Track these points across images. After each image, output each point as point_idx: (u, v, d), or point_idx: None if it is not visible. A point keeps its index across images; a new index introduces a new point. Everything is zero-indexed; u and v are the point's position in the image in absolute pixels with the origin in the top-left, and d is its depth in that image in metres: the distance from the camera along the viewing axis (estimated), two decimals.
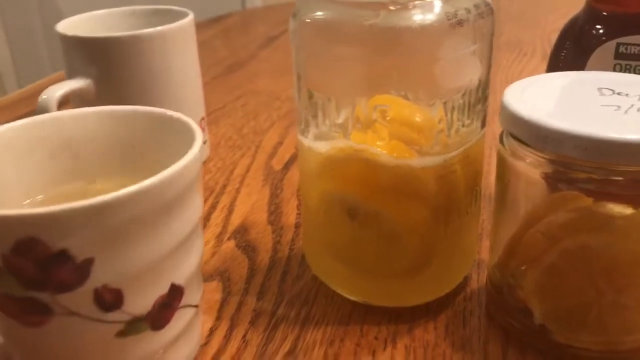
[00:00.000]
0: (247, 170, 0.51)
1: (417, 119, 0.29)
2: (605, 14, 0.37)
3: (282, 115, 0.63)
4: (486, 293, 0.34)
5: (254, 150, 0.55)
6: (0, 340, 0.29)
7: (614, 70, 0.36)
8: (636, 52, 0.35)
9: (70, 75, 0.46)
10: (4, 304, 0.25)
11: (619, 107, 0.28)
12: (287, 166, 0.51)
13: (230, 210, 0.45)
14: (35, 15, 2.01)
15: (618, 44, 0.36)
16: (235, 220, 0.43)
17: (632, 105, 0.28)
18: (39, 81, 0.76)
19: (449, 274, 0.33)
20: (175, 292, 0.27)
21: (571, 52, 0.38)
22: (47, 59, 1.90)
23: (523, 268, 0.31)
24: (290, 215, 0.44)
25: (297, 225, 0.42)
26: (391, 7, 0.27)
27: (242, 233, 0.42)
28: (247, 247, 0.40)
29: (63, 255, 0.23)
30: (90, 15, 0.51)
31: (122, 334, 0.26)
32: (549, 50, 0.80)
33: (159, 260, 0.26)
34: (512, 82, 0.31)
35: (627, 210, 0.28)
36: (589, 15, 0.38)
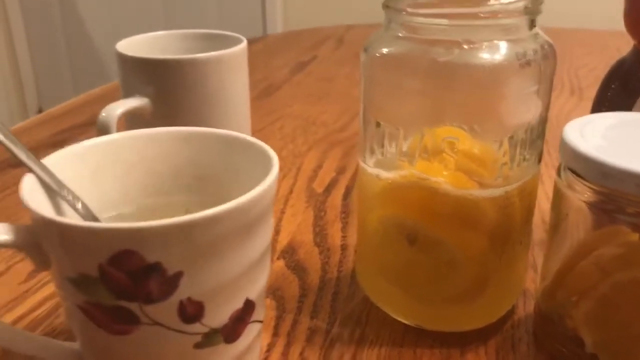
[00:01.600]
0: (290, 192, 0.52)
1: (482, 152, 0.30)
2: None
3: (319, 139, 0.64)
4: (534, 320, 0.36)
5: (295, 172, 0.56)
6: (76, 346, 0.30)
7: None
8: None
9: (127, 93, 0.48)
10: (94, 313, 0.26)
11: None
12: (328, 189, 0.53)
13: (277, 231, 0.46)
14: (58, 30, 2.04)
15: None
16: (283, 240, 0.45)
17: None
18: (71, 100, 0.78)
19: (500, 301, 0.35)
20: (249, 307, 0.29)
21: (618, 93, 0.40)
22: (68, 78, 1.93)
23: (574, 299, 0.32)
24: (335, 237, 0.45)
25: (343, 247, 0.44)
26: (465, 46, 0.28)
27: (290, 253, 0.43)
28: (297, 267, 0.41)
29: (156, 268, 0.25)
30: (147, 36, 0.52)
31: (199, 345, 0.27)
32: (576, 85, 0.82)
33: (239, 276, 0.27)
34: None
35: None
36: (637, 58, 0.39)
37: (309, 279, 0.40)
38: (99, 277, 0.25)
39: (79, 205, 0.30)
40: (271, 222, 0.30)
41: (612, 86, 0.41)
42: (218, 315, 0.27)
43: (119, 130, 0.40)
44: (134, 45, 0.51)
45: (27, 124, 0.71)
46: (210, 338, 0.28)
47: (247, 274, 0.28)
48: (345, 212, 0.49)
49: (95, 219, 0.30)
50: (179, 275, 0.25)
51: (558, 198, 0.33)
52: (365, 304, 0.37)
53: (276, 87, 0.83)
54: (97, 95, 0.80)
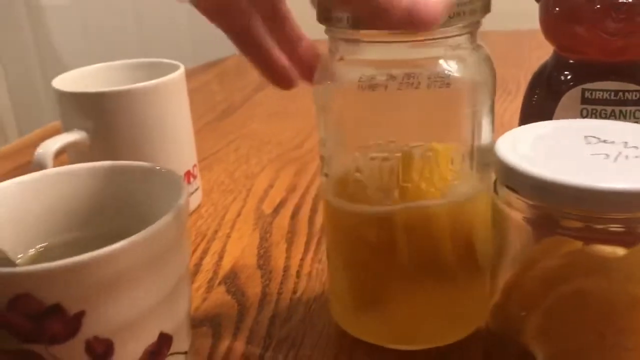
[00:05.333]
0: (238, 215, 0.52)
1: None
2: (571, 61, 0.39)
3: (273, 158, 0.65)
4: (485, 339, 0.35)
5: (245, 194, 0.56)
6: None
7: (581, 114, 0.38)
8: (600, 97, 0.37)
9: (66, 128, 0.48)
10: (1, 358, 0.26)
11: (607, 155, 0.29)
12: (277, 209, 0.53)
13: (221, 256, 0.46)
14: (35, 67, 2.04)
15: (583, 90, 0.38)
16: (226, 265, 0.45)
17: (619, 153, 0.29)
18: (38, 130, 0.78)
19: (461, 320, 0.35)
20: (164, 341, 0.29)
21: (542, 97, 0.40)
22: (47, 107, 1.93)
23: (522, 314, 0.31)
24: (279, 259, 0.45)
25: (285, 269, 0.44)
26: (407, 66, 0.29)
27: (232, 278, 0.43)
28: (237, 292, 0.41)
29: (56, 310, 0.25)
30: (85, 70, 0.53)
31: None
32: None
33: (147, 311, 0.27)
34: (497, 122, 0.33)
35: (620, 252, 0.29)
36: (557, 63, 0.40)
37: (247, 303, 0.40)
38: (0, 323, 0.25)
39: None
40: (184, 253, 0.30)
41: (537, 91, 0.41)
42: (129, 352, 0.27)
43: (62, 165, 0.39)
44: (72, 80, 0.51)
45: None
46: None
47: (159, 308, 0.28)
48: (292, 232, 0.49)
49: (8, 261, 0.30)
50: (80, 314, 0.25)
51: (496, 214, 0.32)
52: (302, 325, 0.37)
53: (236, 107, 0.83)
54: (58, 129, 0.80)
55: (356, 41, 0.30)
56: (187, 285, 0.31)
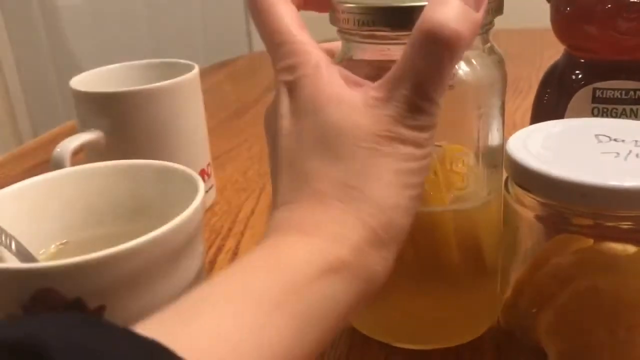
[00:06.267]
0: (252, 213, 0.53)
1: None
2: (582, 60, 0.39)
3: None
4: (497, 335, 0.35)
5: (259, 192, 0.57)
6: None
7: (592, 113, 0.38)
8: (611, 96, 0.37)
9: (82, 127, 0.49)
10: None
11: (618, 153, 0.29)
12: None
13: (235, 253, 0.47)
14: (49, 65, 2.06)
15: (594, 89, 0.38)
16: None
17: (630, 152, 0.29)
18: (53, 130, 0.79)
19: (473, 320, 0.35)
20: None
21: (553, 96, 0.41)
22: (61, 106, 1.95)
23: (534, 310, 0.32)
24: None
25: None
26: None
27: None
28: None
29: (77, 304, 0.25)
30: (102, 70, 0.54)
31: None
32: None
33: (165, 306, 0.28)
34: (509, 120, 0.33)
35: (630, 249, 0.29)
36: (568, 62, 0.40)
37: None
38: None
39: (13, 246, 0.31)
40: (201, 249, 0.31)
41: (548, 91, 0.41)
42: None
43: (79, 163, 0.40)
44: (89, 80, 0.52)
45: (1, 160, 0.72)
46: None
47: None
48: None
49: (30, 257, 0.31)
50: (101, 309, 0.26)
51: (507, 212, 0.32)
52: None
53: (248, 107, 0.84)
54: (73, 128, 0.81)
55: (364, 42, 0.30)
56: (203, 281, 0.31)
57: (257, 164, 0.64)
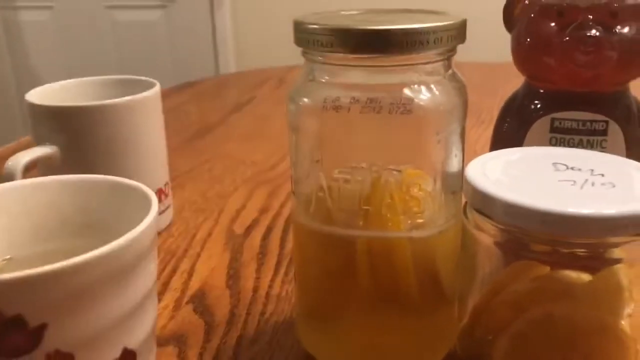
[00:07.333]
0: (209, 235, 0.52)
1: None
2: (541, 91, 0.40)
3: (247, 179, 0.64)
4: None
5: (217, 214, 0.56)
6: None
7: (550, 142, 0.39)
8: (568, 126, 0.38)
9: (37, 141, 0.48)
10: None
11: (574, 182, 0.30)
12: (248, 230, 0.53)
13: (190, 275, 0.46)
14: (10, 80, 2.03)
15: (553, 119, 0.38)
16: (195, 285, 0.44)
17: (586, 180, 0.30)
18: (9, 145, 0.77)
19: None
20: (128, 357, 0.28)
21: (512, 125, 0.41)
22: (20, 122, 1.92)
23: (490, 337, 0.32)
24: (248, 280, 0.45)
25: (254, 290, 0.43)
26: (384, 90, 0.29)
27: (200, 297, 0.43)
28: (205, 312, 0.41)
29: (17, 321, 0.24)
30: (60, 84, 0.52)
31: None
32: None
33: (111, 326, 0.27)
34: (470, 149, 0.33)
35: (585, 277, 0.30)
36: (527, 92, 0.41)
37: (215, 323, 0.40)
38: None
39: None
40: (152, 268, 0.30)
41: (507, 119, 0.42)
42: None
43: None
44: (47, 94, 0.50)
45: None
46: None
47: (123, 323, 0.27)
48: (262, 253, 0.49)
49: None
50: (42, 327, 0.25)
51: (466, 237, 0.32)
52: (269, 347, 0.37)
53: (210, 128, 0.83)
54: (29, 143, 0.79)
55: (328, 64, 0.30)
56: (153, 302, 0.30)
57: (218, 185, 0.63)
